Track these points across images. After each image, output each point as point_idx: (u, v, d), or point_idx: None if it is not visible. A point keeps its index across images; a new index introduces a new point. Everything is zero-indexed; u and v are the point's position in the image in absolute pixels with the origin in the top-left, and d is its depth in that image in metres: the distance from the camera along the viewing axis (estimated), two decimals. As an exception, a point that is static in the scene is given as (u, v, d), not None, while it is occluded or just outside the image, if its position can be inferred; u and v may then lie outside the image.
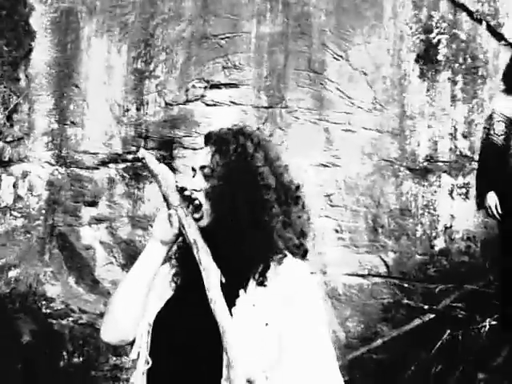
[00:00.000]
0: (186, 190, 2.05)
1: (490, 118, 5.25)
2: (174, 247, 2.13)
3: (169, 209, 2.03)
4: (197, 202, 2.02)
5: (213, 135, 2.08)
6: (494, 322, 5.58)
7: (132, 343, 2.12)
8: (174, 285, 2.10)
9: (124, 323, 2.08)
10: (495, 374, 5.01)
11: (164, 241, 2.05)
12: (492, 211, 5.12)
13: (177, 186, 2.05)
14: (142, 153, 2.08)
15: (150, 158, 2.08)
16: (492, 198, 5.13)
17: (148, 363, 2.02)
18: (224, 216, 1.97)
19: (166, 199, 2.04)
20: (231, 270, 1.96)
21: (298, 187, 2.12)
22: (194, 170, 2.07)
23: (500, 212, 5.11)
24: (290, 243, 2.06)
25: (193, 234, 1.99)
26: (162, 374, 2.01)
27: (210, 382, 1.91)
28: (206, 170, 2.01)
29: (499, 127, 5.15)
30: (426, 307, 6.49)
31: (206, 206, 2.00)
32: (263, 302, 1.94)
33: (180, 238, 2.09)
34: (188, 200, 2.04)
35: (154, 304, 2.08)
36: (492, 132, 5.20)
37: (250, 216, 1.96)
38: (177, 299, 2.07)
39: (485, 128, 5.31)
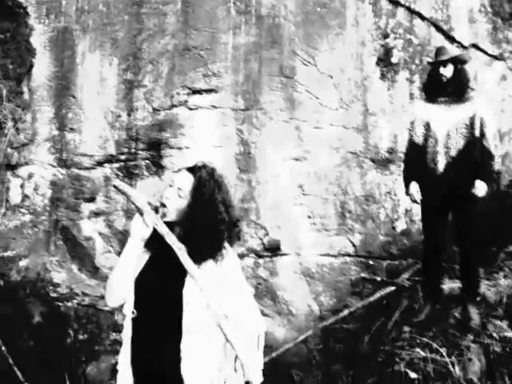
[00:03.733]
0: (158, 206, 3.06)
1: (413, 122, 5.88)
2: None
3: (142, 216, 2.95)
4: (166, 208, 3.02)
5: (196, 174, 3.05)
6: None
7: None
8: (146, 257, 3.07)
9: (120, 292, 3.03)
10: (417, 327, 5.88)
11: (142, 238, 3.00)
12: (414, 197, 5.81)
13: (148, 202, 2.99)
14: (117, 182, 3.00)
15: (123, 185, 3.01)
16: (414, 187, 5.79)
17: (133, 313, 3.00)
18: (188, 229, 3.02)
19: (139, 210, 2.96)
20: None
21: (237, 220, 3.17)
22: (172, 182, 3.08)
23: (420, 198, 5.80)
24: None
25: (165, 229, 2.94)
26: (142, 318, 2.99)
27: (172, 322, 2.95)
28: (181, 193, 3.01)
29: (419, 130, 5.81)
30: (387, 281, 7.13)
31: (174, 210, 3.01)
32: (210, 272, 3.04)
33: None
34: (156, 209, 3.02)
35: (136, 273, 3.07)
36: (414, 134, 5.85)
37: (206, 228, 2.99)
38: (149, 266, 3.06)
39: (409, 130, 5.92)
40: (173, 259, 2.90)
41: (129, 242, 3.01)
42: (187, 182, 3.02)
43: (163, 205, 3.00)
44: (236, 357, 2.95)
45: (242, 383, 3.01)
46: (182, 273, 2.93)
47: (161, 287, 2.97)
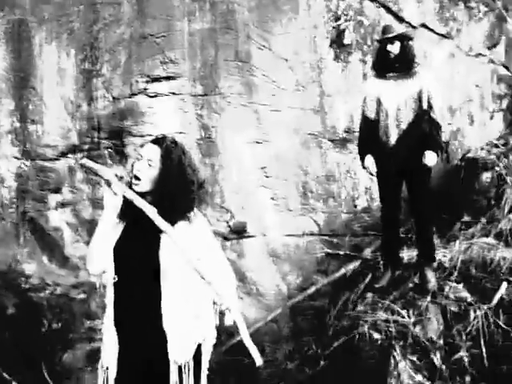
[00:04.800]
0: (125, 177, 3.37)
1: (365, 98, 6.16)
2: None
3: (110, 187, 3.19)
4: (139, 177, 3.26)
5: (162, 144, 3.31)
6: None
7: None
8: (121, 227, 3.31)
9: (99, 260, 3.28)
10: (379, 293, 6.27)
11: (114, 207, 3.25)
12: (370, 170, 6.11)
13: (115, 175, 3.22)
14: (84, 160, 3.32)
15: (90, 162, 3.28)
16: (369, 160, 6.11)
17: (115, 278, 3.24)
18: (162, 194, 3.27)
19: (107, 182, 3.19)
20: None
21: (203, 182, 3.56)
22: (140, 156, 3.33)
23: (376, 170, 6.08)
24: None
25: (133, 194, 3.19)
26: (123, 282, 3.23)
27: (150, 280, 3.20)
28: (151, 163, 3.25)
29: (371, 105, 6.09)
30: (351, 254, 7.42)
31: (147, 180, 3.25)
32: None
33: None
34: (121, 179, 3.27)
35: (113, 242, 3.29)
36: (366, 109, 6.13)
37: (178, 191, 3.26)
38: (125, 234, 3.29)
39: (362, 106, 6.21)
40: (146, 225, 3.15)
41: (103, 214, 3.27)
42: (155, 152, 3.28)
43: (136, 177, 3.25)
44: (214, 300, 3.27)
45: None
46: (157, 236, 3.19)
47: (138, 251, 3.22)
